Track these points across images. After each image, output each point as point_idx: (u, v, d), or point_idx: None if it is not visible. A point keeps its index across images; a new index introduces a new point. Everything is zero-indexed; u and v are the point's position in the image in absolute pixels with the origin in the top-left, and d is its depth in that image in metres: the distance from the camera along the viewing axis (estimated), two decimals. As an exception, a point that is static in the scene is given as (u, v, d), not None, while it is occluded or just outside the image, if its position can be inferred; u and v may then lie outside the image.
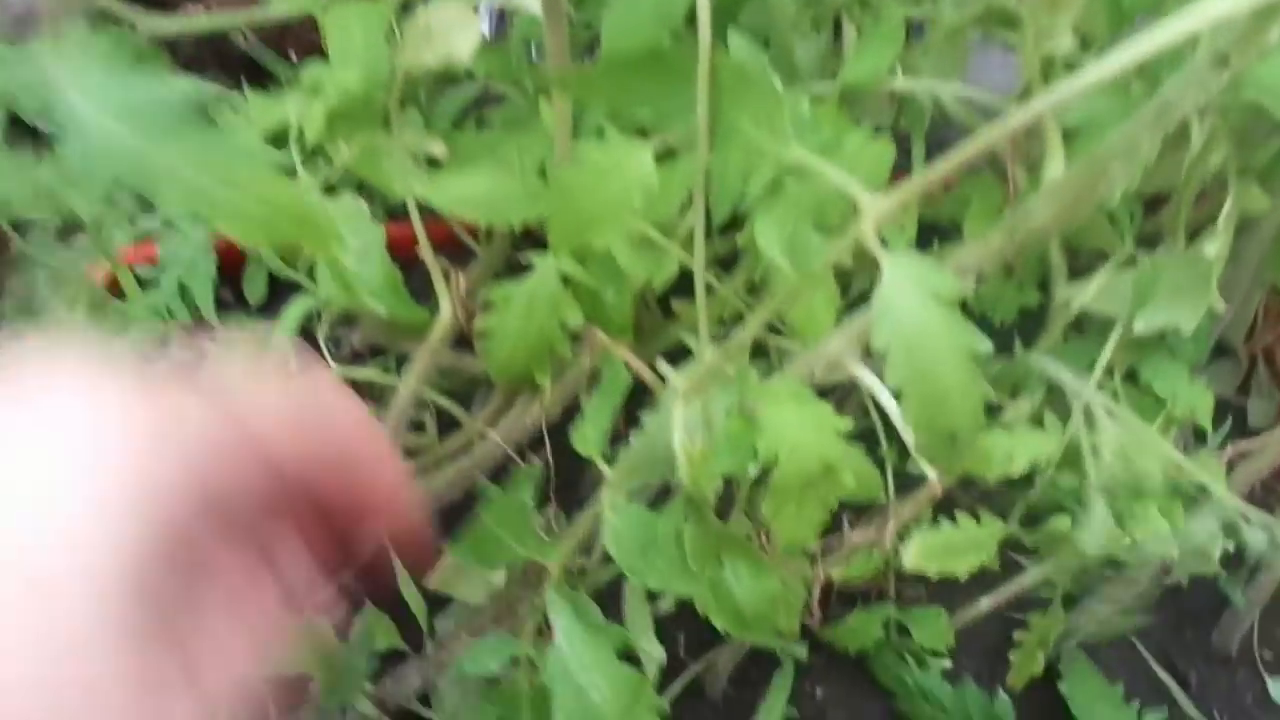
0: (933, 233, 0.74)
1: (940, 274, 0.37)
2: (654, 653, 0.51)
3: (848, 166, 0.47)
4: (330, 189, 0.74)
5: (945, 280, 0.37)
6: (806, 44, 0.66)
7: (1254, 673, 0.75)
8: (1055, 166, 0.51)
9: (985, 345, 0.37)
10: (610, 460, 0.52)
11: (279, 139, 0.68)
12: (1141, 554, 0.62)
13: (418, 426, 0.77)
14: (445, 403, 0.72)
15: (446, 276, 0.63)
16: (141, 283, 0.77)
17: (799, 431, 0.46)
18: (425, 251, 0.63)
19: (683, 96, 0.46)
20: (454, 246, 0.79)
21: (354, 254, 0.62)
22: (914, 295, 0.36)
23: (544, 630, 0.50)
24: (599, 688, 0.48)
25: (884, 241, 0.39)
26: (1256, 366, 0.82)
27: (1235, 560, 0.69)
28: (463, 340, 0.73)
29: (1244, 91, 0.48)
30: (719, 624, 0.52)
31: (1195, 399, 0.62)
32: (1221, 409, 0.80)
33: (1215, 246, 0.54)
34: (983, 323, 0.68)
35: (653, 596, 0.61)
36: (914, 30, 0.69)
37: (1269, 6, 0.38)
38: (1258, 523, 0.55)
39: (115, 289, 0.76)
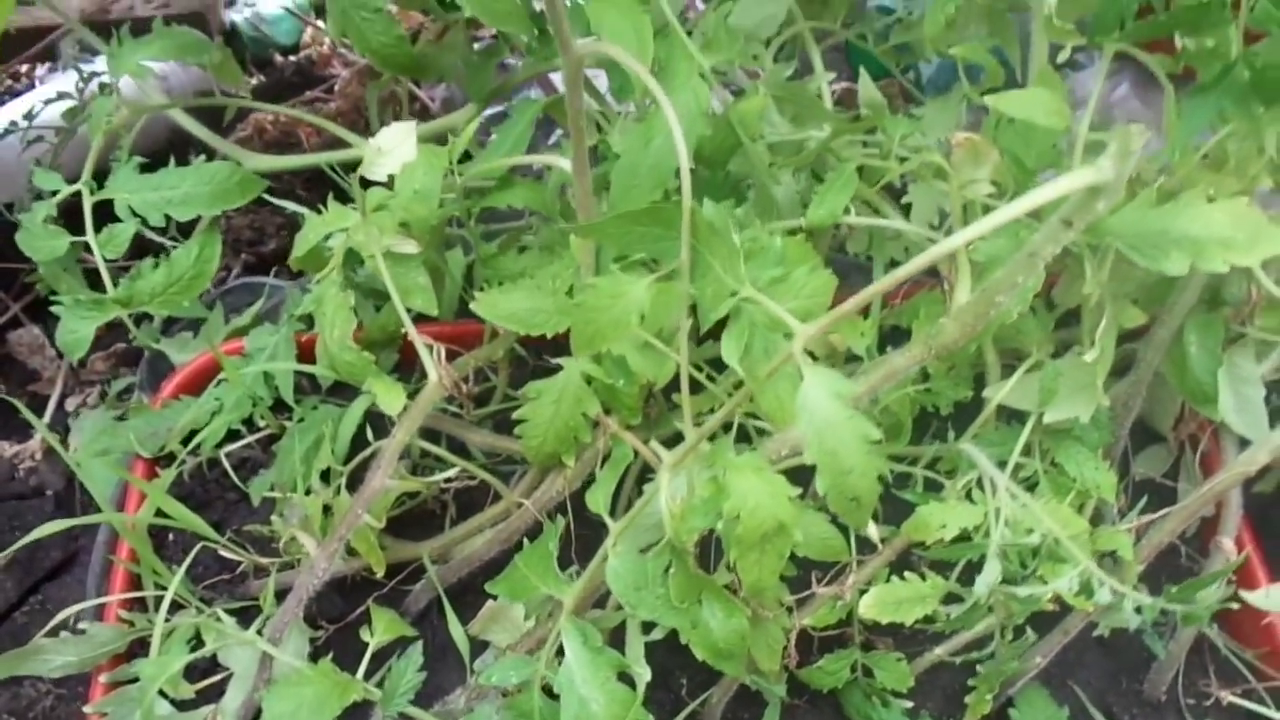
0: (898, 333, 0.88)
1: (844, 381, 0.51)
2: (644, 674, 0.64)
3: (794, 293, 0.62)
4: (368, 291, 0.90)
5: (847, 386, 0.51)
6: (782, 187, 0.81)
7: (1180, 718, 0.87)
8: (962, 293, 0.66)
9: (875, 434, 0.51)
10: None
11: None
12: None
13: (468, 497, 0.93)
14: (489, 478, 0.87)
15: (431, 350, 0.78)
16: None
17: (758, 495, 0.59)
18: (414, 336, 0.78)
19: (671, 241, 0.61)
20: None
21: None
22: (824, 397, 0.51)
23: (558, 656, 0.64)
24: (597, 700, 0.62)
25: (812, 356, 0.54)
26: (1185, 452, 0.94)
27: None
28: (502, 426, 0.89)
29: (1104, 239, 0.63)
30: (699, 653, 0.65)
31: (1100, 479, 0.75)
32: (1153, 491, 0.93)
33: (1093, 354, 0.68)
34: (926, 413, 0.82)
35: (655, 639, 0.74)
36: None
37: (1095, 187, 0.53)
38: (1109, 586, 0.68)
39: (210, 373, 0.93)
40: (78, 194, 0.95)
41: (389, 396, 0.77)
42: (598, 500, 0.64)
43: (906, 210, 0.87)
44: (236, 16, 1.55)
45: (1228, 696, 0.85)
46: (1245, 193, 0.70)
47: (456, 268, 0.96)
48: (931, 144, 0.80)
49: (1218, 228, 0.59)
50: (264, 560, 0.87)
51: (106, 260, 0.95)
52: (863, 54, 1.05)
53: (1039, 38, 0.72)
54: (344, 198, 0.89)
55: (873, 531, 0.70)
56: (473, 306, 0.77)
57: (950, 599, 0.76)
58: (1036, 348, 0.76)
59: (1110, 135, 0.51)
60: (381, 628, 0.79)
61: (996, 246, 0.68)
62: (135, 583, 0.86)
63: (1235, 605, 0.80)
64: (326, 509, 0.82)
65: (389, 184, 0.85)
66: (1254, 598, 0.78)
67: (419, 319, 0.86)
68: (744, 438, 0.81)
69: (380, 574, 0.84)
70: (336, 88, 1.51)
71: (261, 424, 0.93)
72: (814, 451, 0.51)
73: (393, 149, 0.79)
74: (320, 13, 1.59)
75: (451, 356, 0.90)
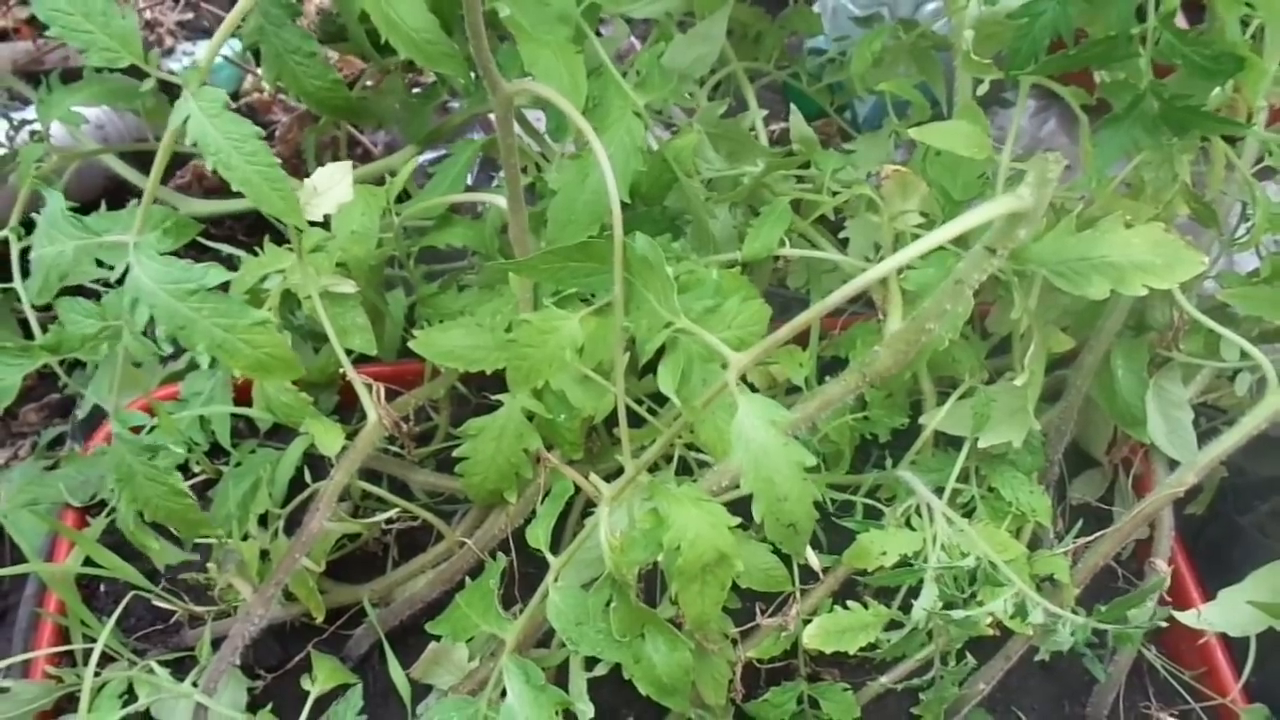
0: (838, 364, 0.89)
1: (779, 409, 0.52)
2: (587, 711, 0.63)
3: (727, 323, 0.63)
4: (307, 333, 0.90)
5: (782, 413, 0.52)
6: (718, 221, 0.83)
7: (1121, 740, 0.88)
8: (894, 321, 0.67)
9: (810, 460, 0.51)
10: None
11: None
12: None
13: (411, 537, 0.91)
14: (431, 518, 0.86)
15: (370, 389, 0.77)
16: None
17: (697, 526, 0.59)
18: (352, 377, 0.77)
19: (604, 275, 0.62)
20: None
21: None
22: (759, 424, 0.51)
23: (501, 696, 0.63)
24: (540, 738, 0.61)
25: (752, 388, 0.54)
26: (1119, 476, 0.96)
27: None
28: (445, 465, 0.88)
29: (1028, 265, 0.64)
30: (642, 688, 0.65)
31: (1035, 502, 0.76)
32: (1090, 514, 0.94)
33: (1023, 379, 0.69)
34: (867, 441, 0.83)
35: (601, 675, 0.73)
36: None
37: (1014, 215, 0.55)
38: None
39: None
40: (7, 241, 0.94)
41: (326, 437, 0.76)
42: (538, 536, 0.64)
43: (846, 244, 0.89)
44: (175, 65, 1.54)
45: (1166, 717, 0.86)
46: (1163, 219, 0.72)
47: (398, 307, 0.95)
48: (863, 178, 0.81)
49: (1135, 253, 0.61)
50: (200, 609, 0.85)
51: (35, 307, 0.93)
52: (799, 94, 1.08)
53: (961, 73, 0.74)
54: (282, 241, 0.89)
55: (813, 560, 0.71)
56: (411, 344, 0.77)
57: (894, 626, 0.76)
58: (970, 374, 0.77)
59: (1030, 164, 0.52)
60: (323, 675, 0.77)
61: (926, 276, 0.69)
62: (66, 636, 0.83)
63: (1166, 625, 0.81)
64: (264, 554, 0.80)
65: (326, 225, 0.85)
66: (1186, 618, 0.79)
67: (360, 359, 0.85)
68: (687, 471, 0.81)
69: (320, 619, 0.82)
70: (277, 133, 1.50)
71: (198, 469, 0.91)
72: (750, 479, 0.51)
73: (328, 189, 0.78)
74: (259, 59, 1.59)
75: (393, 396, 0.89)
